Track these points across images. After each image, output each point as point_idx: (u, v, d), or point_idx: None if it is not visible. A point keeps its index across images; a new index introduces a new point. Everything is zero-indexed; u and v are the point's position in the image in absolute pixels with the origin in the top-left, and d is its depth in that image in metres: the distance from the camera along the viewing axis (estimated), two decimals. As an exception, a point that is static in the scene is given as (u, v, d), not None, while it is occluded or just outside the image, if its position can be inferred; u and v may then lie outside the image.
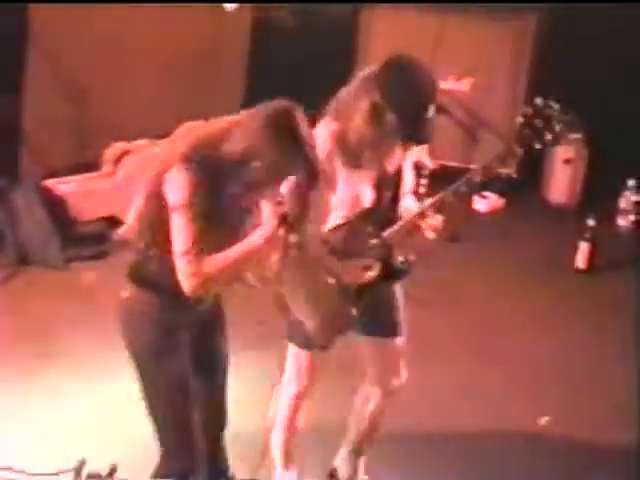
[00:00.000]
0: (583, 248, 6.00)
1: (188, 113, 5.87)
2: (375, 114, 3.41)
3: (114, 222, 5.63)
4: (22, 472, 3.41)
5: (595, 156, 6.92)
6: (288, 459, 4.02)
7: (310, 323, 3.65)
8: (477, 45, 7.06)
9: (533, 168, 6.75)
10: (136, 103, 6.07)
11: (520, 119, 3.41)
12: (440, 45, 6.73)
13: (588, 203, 6.72)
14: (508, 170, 3.46)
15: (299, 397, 3.92)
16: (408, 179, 3.78)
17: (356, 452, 4.07)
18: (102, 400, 4.41)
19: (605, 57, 6.78)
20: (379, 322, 3.83)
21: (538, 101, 3.39)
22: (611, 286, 5.90)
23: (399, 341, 3.91)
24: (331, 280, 3.67)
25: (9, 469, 3.63)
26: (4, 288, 5.18)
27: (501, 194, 6.67)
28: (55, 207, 5.73)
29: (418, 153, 4.13)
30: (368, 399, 3.94)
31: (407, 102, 3.46)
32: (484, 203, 6.46)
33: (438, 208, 3.53)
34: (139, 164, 5.81)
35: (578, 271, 6.00)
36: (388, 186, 3.66)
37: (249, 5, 6.10)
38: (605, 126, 6.66)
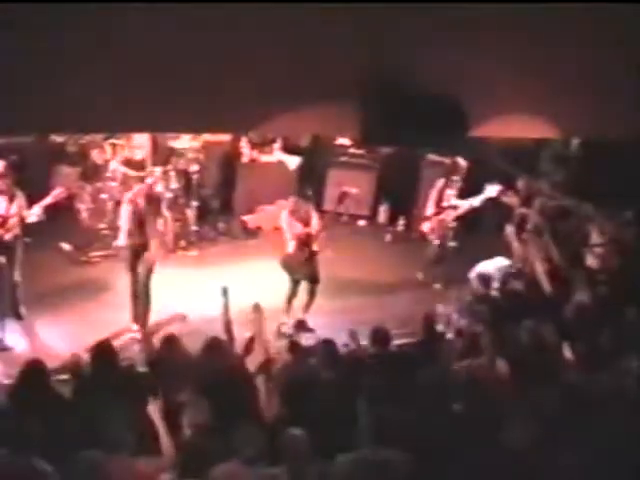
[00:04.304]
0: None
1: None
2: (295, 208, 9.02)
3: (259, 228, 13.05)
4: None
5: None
6: None
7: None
8: (356, 175, 13.27)
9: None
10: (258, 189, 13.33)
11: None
12: (346, 170, 13.29)
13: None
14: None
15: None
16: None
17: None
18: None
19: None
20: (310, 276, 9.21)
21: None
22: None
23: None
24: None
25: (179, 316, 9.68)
26: (224, 244, 12.59)
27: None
28: (243, 222, 13.13)
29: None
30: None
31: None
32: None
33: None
34: (271, 211, 12.95)
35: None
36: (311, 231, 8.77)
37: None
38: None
